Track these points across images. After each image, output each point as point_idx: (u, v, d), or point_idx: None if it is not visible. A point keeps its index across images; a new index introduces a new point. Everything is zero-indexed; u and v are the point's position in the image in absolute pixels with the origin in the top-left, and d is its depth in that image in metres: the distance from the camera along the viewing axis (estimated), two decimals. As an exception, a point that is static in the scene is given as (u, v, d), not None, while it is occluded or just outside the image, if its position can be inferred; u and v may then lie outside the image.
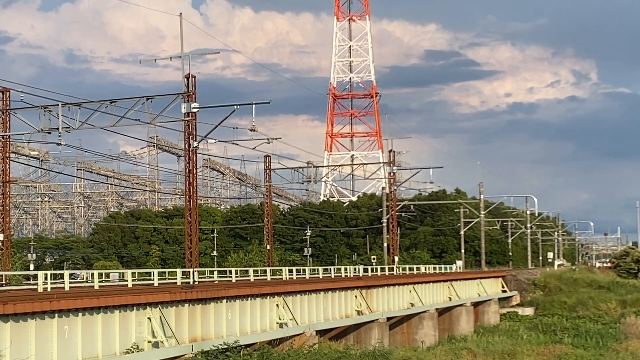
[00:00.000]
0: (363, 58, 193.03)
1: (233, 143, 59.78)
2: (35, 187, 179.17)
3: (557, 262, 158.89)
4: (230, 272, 55.25)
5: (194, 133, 51.91)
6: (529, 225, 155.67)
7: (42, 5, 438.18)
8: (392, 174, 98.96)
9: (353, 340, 55.39)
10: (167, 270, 65.19)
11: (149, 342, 33.67)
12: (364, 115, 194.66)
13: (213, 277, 64.25)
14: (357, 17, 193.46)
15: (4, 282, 57.11)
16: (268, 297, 43.85)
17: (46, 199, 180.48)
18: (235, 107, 49.76)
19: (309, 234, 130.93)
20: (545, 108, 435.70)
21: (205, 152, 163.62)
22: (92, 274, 49.50)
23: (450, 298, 77.28)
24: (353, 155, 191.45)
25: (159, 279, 49.03)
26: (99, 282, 51.19)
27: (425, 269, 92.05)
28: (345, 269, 69.62)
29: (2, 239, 61.26)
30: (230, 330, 39.90)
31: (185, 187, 54.07)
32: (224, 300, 39.53)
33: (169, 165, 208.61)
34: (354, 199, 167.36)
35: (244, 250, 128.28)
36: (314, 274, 67.52)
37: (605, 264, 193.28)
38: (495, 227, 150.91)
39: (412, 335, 67.73)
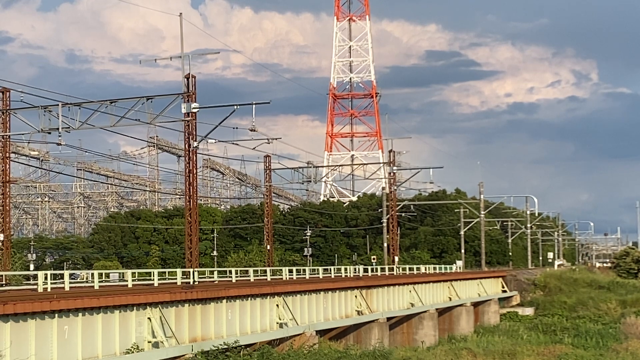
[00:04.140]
0: (363, 58, 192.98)
1: (233, 143, 59.76)
2: (35, 187, 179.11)
3: (557, 262, 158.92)
4: (230, 272, 55.24)
5: (194, 133, 51.93)
6: (529, 225, 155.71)
7: (41, 5, 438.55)
8: (392, 174, 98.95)
9: (353, 340, 55.40)
10: (167, 270, 65.20)
11: (149, 342, 33.68)
12: (364, 115, 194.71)
13: (213, 277, 64.23)
14: (357, 17, 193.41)
15: (4, 282, 57.09)
16: (268, 297, 43.86)
17: (46, 199, 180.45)
18: (235, 107, 49.76)
19: (309, 234, 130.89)
20: (545, 108, 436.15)
21: (205, 152, 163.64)
22: (92, 274, 49.50)
23: (450, 298, 77.29)
24: (353, 155, 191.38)
25: (159, 279, 49.03)
26: (99, 282, 51.18)
27: (425, 269, 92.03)
28: (345, 269, 69.60)
29: (2, 239, 61.26)
30: (230, 330, 39.91)
31: (185, 187, 54.08)
32: (224, 300, 39.54)
33: (169, 165, 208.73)
34: (354, 199, 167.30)
35: (244, 250, 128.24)
36: (314, 274, 67.50)
37: (605, 264, 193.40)
38: (495, 227, 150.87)
39: (412, 335, 67.76)
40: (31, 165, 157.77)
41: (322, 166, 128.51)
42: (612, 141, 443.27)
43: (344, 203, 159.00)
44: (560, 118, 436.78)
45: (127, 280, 47.72)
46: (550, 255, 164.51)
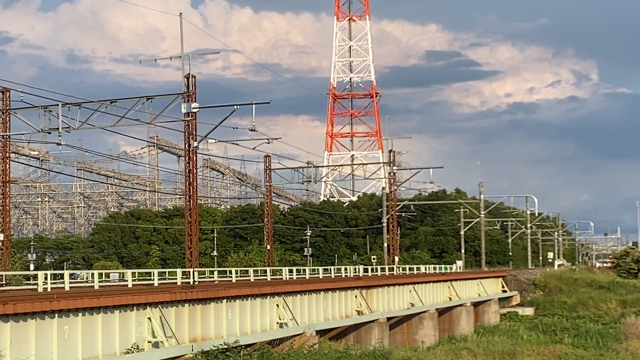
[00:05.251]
0: (363, 58, 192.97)
1: (233, 143, 59.74)
2: (35, 187, 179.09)
3: (557, 262, 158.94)
4: (230, 272, 55.25)
5: (194, 133, 51.89)
6: (529, 225, 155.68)
7: (41, 5, 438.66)
8: (392, 174, 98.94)
9: (353, 340, 55.39)
10: (167, 270, 65.18)
11: (149, 342, 33.68)
12: (364, 115, 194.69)
13: (213, 277, 64.23)
14: (357, 17, 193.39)
15: (4, 282, 57.10)
16: (268, 297, 43.85)
17: (46, 199, 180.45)
18: (235, 107, 49.72)
19: (309, 234, 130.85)
20: (545, 108, 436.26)
21: (206, 152, 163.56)
22: (92, 274, 49.49)
23: (450, 298, 77.29)
24: (353, 155, 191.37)
25: (159, 279, 49.02)
26: (99, 282, 51.18)
27: (426, 269, 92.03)
28: (345, 269, 69.60)
29: (2, 239, 61.26)
30: (230, 330, 39.91)
31: (185, 187, 54.06)
32: (224, 300, 39.54)
33: (169, 165, 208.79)
34: (354, 199, 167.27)
35: (244, 250, 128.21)
36: (314, 274, 67.50)
37: (605, 264, 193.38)
38: (495, 227, 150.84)
39: (412, 335, 67.74)
40: (31, 165, 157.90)
41: (322, 166, 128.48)
42: (612, 141, 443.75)
43: (344, 203, 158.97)
44: (560, 118, 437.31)
45: (127, 280, 47.71)
46: (550, 255, 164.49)
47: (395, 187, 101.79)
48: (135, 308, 33.25)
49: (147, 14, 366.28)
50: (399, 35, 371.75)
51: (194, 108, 50.27)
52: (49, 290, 38.84)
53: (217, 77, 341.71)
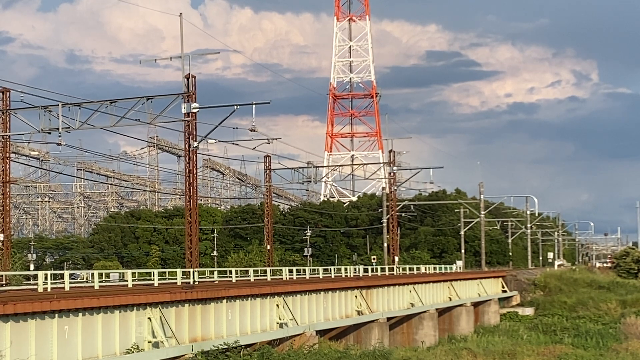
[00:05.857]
0: (363, 58, 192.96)
1: (233, 143, 59.68)
2: (35, 187, 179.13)
3: (557, 262, 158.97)
4: (231, 272, 55.27)
5: (194, 133, 51.90)
6: (529, 225, 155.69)
7: (41, 5, 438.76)
8: (392, 174, 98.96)
9: (353, 340, 55.40)
10: (167, 270, 65.19)
11: (149, 342, 33.69)
12: (364, 116, 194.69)
13: (213, 277, 64.25)
14: (357, 18, 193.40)
15: (4, 282, 57.13)
16: (268, 297, 43.87)
17: (46, 199, 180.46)
18: (235, 107, 49.70)
19: (309, 234, 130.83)
20: (545, 108, 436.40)
21: (206, 152, 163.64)
22: (92, 274, 49.50)
23: (450, 298, 77.30)
24: (353, 155, 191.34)
25: (159, 279, 49.03)
26: (99, 282, 51.18)
27: (426, 269, 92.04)
28: (345, 269, 69.61)
29: (2, 239, 61.27)
30: (230, 330, 39.91)
31: (185, 187, 54.06)
32: (224, 300, 39.55)
33: (169, 165, 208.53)
34: (354, 199, 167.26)
35: (244, 250, 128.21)
36: (314, 274, 67.51)
37: (605, 264, 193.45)
38: (496, 227, 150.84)
39: (412, 335, 67.77)
40: (31, 165, 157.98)
41: (322, 166, 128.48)
42: (612, 141, 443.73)
43: (344, 203, 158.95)
44: (560, 118, 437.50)
45: (127, 280, 47.72)
46: (550, 255, 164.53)
47: (395, 187, 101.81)
48: (135, 308, 33.25)
49: (147, 14, 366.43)
50: (399, 36, 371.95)
51: (194, 108, 50.27)
52: (49, 290, 38.85)
53: (217, 77, 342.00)
